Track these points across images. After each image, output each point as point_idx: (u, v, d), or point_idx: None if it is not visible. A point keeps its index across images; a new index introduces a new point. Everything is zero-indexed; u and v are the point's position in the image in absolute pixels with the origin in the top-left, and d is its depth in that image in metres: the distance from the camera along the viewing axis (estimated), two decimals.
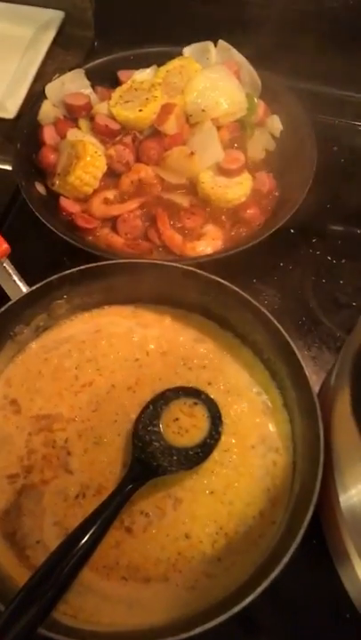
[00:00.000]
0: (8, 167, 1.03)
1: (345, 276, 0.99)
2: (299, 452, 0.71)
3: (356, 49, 1.12)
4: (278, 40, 1.04)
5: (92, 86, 1.09)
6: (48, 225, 0.89)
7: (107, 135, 1.01)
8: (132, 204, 0.96)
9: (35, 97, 1.08)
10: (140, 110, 0.99)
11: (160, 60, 1.09)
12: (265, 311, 0.74)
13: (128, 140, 0.99)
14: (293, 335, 0.88)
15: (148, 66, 1.09)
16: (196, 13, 1.16)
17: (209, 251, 0.93)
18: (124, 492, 0.64)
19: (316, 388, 0.71)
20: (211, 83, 1.02)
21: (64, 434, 0.72)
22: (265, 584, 0.56)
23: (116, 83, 1.10)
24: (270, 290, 0.96)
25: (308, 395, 0.68)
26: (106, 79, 1.12)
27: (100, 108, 1.04)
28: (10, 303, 0.74)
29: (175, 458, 0.68)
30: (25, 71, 1.24)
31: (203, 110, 1.00)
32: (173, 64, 1.07)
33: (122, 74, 1.11)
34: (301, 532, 0.59)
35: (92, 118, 1.04)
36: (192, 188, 0.99)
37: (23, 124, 1.04)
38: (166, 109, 1.00)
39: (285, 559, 0.58)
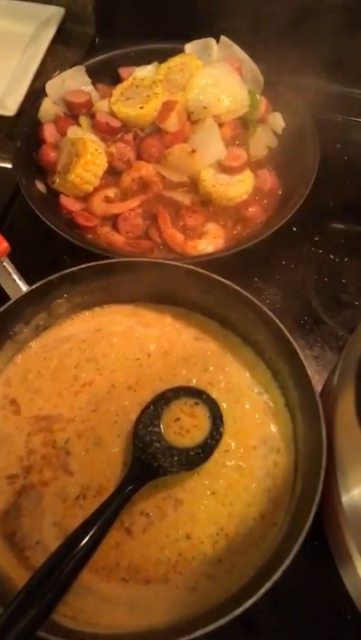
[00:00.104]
0: (8, 165, 1.02)
1: (347, 275, 0.98)
2: (301, 453, 0.70)
3: None
4: (281, 36, 1.03)
5: (93, 83, 1.09)
6: (48, 223, 0.89)
7: (107, 133, 1.01)
8: (133, 203, 0.96)
9: (35, 94, 1.07)
10: (142, 107, 0.99)
11: (161, 57, 1.08)
12: (267, 310, 0.73)
13: (129, 137, 0.99)
14: (295, 334, 0.88)
15: (149, 62, 1.09)
16: (197, 9, 1.15)
17: (210, 249, 0.92)
18: (125, 493, 0.63)
19: (318, 388, 0.70)
20: (212, 79, 1.01)
21: (64, 434, 0.72)
22: (266, 586, 0.56)
23: (116, 80, 1.09)
24: (272, 289, 0.96)
25: (311, 395, 0.68)
26: (107, 76, 1.11)
27: (101, 106, 1.04)
28: (9, 302, 0.74)
29: (176, 458, 0.67)
30: (25, 68, 1.24)
31: (204, 107, 1.00)
32: (175, 61, 1.07)
33: (123, 71, 1.10)
34: (303, 533, 0.58)
35: (92, 116, 1.03)
36: (193, 185, 0.99)
37: (23, 121, 1.03)
38: (168, 106, 0.99)
39: (287, 561, 0.57)
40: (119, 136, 1.00)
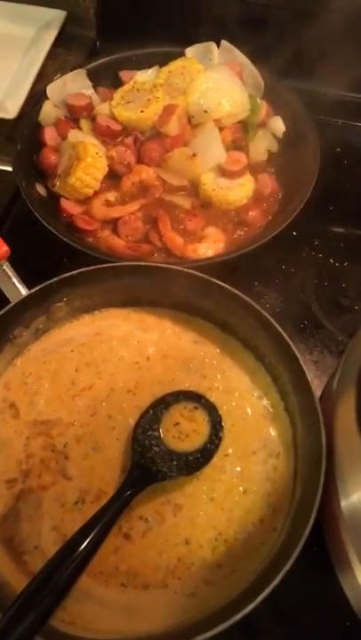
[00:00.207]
0: (8, 168, 1.02)
1: (347, 279, 0.98)
2: (300, 458, 0.70)
3: None
4: (281, 41, 1.04)
5: (94, 87, 1.09)
6: (48, 227, 0.89)
7: (108, 136, 1.01)
8: (133, 206, 0.96)
9: (36, 97, 1.07)
10: (142, 111, 0.99)
11: (162, 61, 1.09)
12: (266, 315, 0.73)
13: (129, 141, 0.99)
14: (295, 339, 0.88)
15: (150, 66, 1.09)
16: (198, 14, 1.15)
17: (210, 253, 0.92)
18: (124, 498, 0.63)
19: (317, 393, 0.70)
20: (213, 83, 1.02)
21: (63, 438, 0.72)
22: (265, 592, 0.56)
23: (117, 83, 1.09)
24: (272, 293, 0.96)
25: (310, 399, 0.68)
26: (107, 79, 1.11)
27: (102, 109, 1.04)
28: (9, 306, 0.73)
29: (175, 463, 0.67)
30: (26, 71, 1.24)
31: (205, 111, 1.00)
32: (176, 64, 1.07)
33: (124, 74, 1.11)
34: (303, 539, 0.58)
35: (93, 119, 1.04)
36: (194, 189, 0.99)
37: (24, 124, 1.04)
38: (168, 110, 0.99)
39: (287, 567, 0.57)
40: (120, 139, 1.00)
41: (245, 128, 1.04)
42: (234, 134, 1.02)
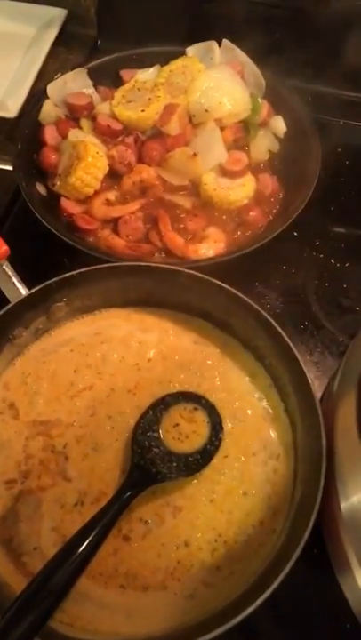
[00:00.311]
0: (9, 167, 1.02)
1: (348, 280, 0.98)
2: (300, 460, 0.70)
3: None
4: (283, 40, 1.03)
5: (95, 86, 1.09)
6: (48, 226, 0.89)
7: (109, 135, 1.00)
8: (134, 206, 0.96)
9: (36, 96, 1.07)
10: (143, 110, 0.99)
11: (163, 60, 1.08)
12: (267, 315, 0.73)
13: (130, 140, 0.98)
14: (295, 340, 0.88)
15: (151, 65, 1.09)
16: (200, 12, 1.15)
17: (211, 253, 0.92)
18: (123, 499, 0.63)
19: (318, 394, 0.70)
20: (214, 83, 1.01)
21: (62, 439, 0.71)
22: (265, 595, 0.56)
23: (118, 82, 1.09)
24: (272, 293, 0.96)
25: (311, 401, 0.67)
26: (108, 78, 1.11)
27: (102, 108, 1.03)
28: (9, 306, 0.73)
29: (175, 464, 0.67)
30: (27, 70, 1.24)
31: (206, 111, 1.00)
32: (177, 64, 1.07)
33: (124, 73, 1.10)
34: (302, 542, 0.58)
35: (93, 118, 1.03)
36: (194, 189, 0.99)
37: (24, 123, 1.03)
38: (169, 110, 0.99)
39: (286, 569, 0.57)
40: (120, 139, 1.00)
41: (246, 128, 1.04)
42: (235, 134, 1.02)
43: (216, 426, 0.70)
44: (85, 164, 0.93)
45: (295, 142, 1.04)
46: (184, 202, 0.97)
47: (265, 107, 1.06)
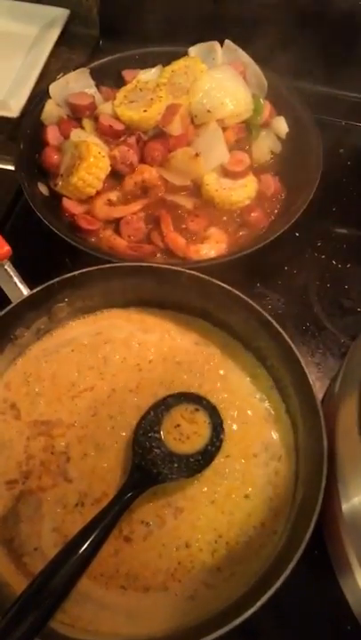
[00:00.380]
0: (11, 167, 1.02)
1: (350, 281, 0.98)
2: (301, 461, 0.70)
3: None
4: (285, 41, 1.03)
5: (97, 86, 1.09)
6: (50, 226, 0.89)
7: (111, 136, 1.00)
8: (136, 206, 0.96)
9: (38, 96, 1.07)
10: (145, 111, 0.99)
11: (165, 60, 1.08)
12: (268, 316, 0.73)
13: (132, 140, 0.98)
14: (297, 340, 0.88)
15: (153, 65, 1.09)
16: (202, 13, 1.15)
17: (212, 254, 0.92)
18: (124, 500, 0.63)
19: (319, 395, 0.70)
20: (216, 83, 1.01)
21: (63, 440, 0.71)
22: (266, 596, 0.56)
23: (120, 82, 1.09)
24: (274, 294, 0.95)
25: (312, 402, 0.67)
26: (110, 79, 1.11)
27: (105, 108, 1.03)
28: (11, 306, 0.73)
29: (176, 465, 0.67)
30: (29, 70, 1.24)
31: (208, 111, 1.00)
32: (179, 64, 1.06)
33: (127, 73, 1.10)
34: (304, 543, 0.58)
35: (96, 118, 1.03)
36: (196, 189, 0.99)
37: (26, 123, 1.03)
38: (171, 110, 0.99)
39: (287, 571, 0.57)
40: (122, 139, 1.00)
41: (248, 128, 1.04)
42: (237, 134, 1.02)
43: (217, 427, 0.70)
44: (87, 165, 0.93)
45: (297, 143, 1.04)
46: (186, 202, 0.97)
47: (267, 107, 1.06)
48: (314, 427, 0.66)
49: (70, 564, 0.57)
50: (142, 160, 0.98)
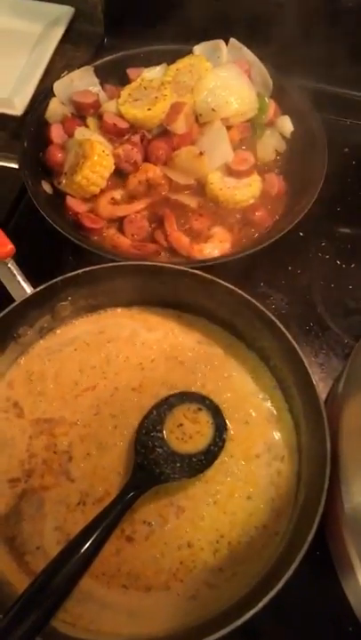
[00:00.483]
0: (14, 165, 1.02)
1: (354, 281, 0.97)
2: (304, 462, 0.69)
3: None
4: (291, 39, 1.03)
5: (101, 84, 1.09)
6: (54, 225, 0.89)
7: (115, 134, 1.00)
8: (139, 205, 0.95)
9: (43, 94, 1.07)
10: (149, 109, 0.98)
11: (170, 58, 1.08)
12: (271, 316, 0.72)
13: (136, 139, 0.98)
14: (300, 340, 0.87)
15: (157, 64, 1.08)
16: (207, 11, 1.14)
17: (216, 253, 0.91)
18: (126, 500, 0.63)
19: (322, 396, 0.70)
20: (221, 82, 1.01)
21: (66, 438, 0.71)
22: (268, 597, 0.55)
23: (125, 80, 1.09)
24: (278, 294, 0.95)
25: (315, 402, 0.67)
26: (115, 77, 1.11)
27: (109, 107, 1.03)
28: (14, 304, 0.73)
29: (178, 465, 0.67)
30: (33, 68, 1.23)
31: (213, 110, 0.99)
32: (183, 62, 1.06)
33: (131, 71, 1.10)
34: (306, 545, 0.58)
35: (100, 117, 1.03)
36: (200, 188, 0.98)
37: (30, 121, 1.03)
38: (176, 108, 0.99)
39: (289, 572, 0.57)
40: (126, 138, 1.00)
41: (253, 127, 1.03)
42: (242, 133, 1.02)
43: (220, 427, 0.70)
44: (91, 163, 0.93)
45: (302, 142, 1.04)
46: (190, 201, 0.97)
47: (272, 106, 1.05)
48: (317, 427, 0.66)
49: (72, 563, 0.57)
50: (146, 159, 0.98)
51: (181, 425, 0.70)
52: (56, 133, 1.02)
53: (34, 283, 0.76)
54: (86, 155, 0.93)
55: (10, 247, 0.77)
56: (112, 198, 0.96)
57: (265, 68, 1.07)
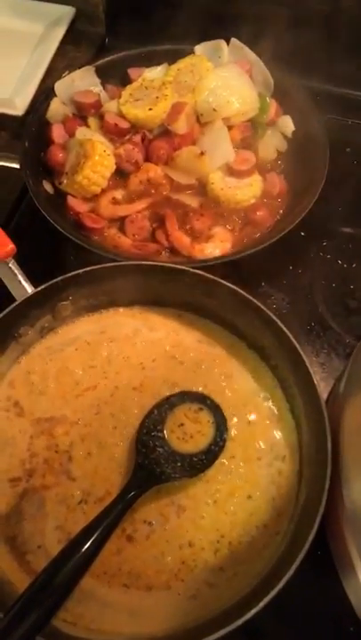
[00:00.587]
0: (16, 165, 1.02)
1: (355, 281, 0.97)
2: (305, 461, 0.69)
3: None
4: (292, 39, 1.03)
5: (102, 84, 1.09)
6: (55, 224, 0.89)
7: (116, 134, 1.00)
8: (141, 205, 0.95)
9: (44, 94, 1.07)
10: (150, 109, 0.98)
11: (171, 58, 1.08)
12: (273, 316, 0.72)
13: (137, 139, 0.98)
14: (302, 340, 0.88)
15: (158, 64, 1.08)
16: (208, 11, 1.14)
17: (217, 253, 0.91)
18: (127, 499, 0.63)
19: (324, 396, 0.70)
20: (222, 81, 1.01)
21: (67, 438, 0.71)
22: (268, 597, 0.55)
23: (126, 80, 1.09)
24: (279, 294, 0.95)
25: (316, 402, 0.67)
26: (116, 77, 1.11)
27: (110, 107, 1.03)
28: (15, 304, 0.73)
29: (179, 464, 0.67)
30: (35, 68, 1.24)
31: (214, 109, 0.99)
32: (185, 62, 1.06)
33: (132, 71, 1.10)
34: (307, 544, 0.58)
35: (101, 117, 1.03)
36: (201, 188, 0.98)
37: (32, 121, 1.03)
38: (177, 108, 0.99)
39: (290, 572, 0.57)
40: (127, 137, 1.00)
41: (254, 127, 1.03)
42: (243, 133, 1.02)
43: (221, 426, 0.70)
44: (92, 163, 0.93)
45: (303, 142, 1.04)
46: (191, 201, 0.97)
47: (273, 106, 1.05)
48: (318, 427, 0.65)
49: (73, 563, 0.57)
50: (147, 158, 0.98)
51: (182, 424, 0.70)
52: (57, 133, 1.02)
53: (35, 282, 0.76)
54: (87, 154, 0.93)
55: (11, 247, 0.77)
56: (113, 198, 0.97)
57: (266, 68, 1.07)
